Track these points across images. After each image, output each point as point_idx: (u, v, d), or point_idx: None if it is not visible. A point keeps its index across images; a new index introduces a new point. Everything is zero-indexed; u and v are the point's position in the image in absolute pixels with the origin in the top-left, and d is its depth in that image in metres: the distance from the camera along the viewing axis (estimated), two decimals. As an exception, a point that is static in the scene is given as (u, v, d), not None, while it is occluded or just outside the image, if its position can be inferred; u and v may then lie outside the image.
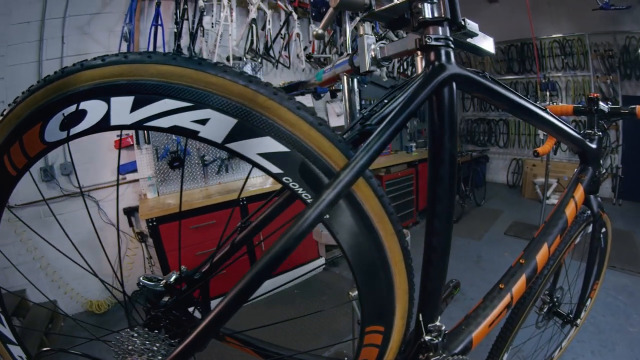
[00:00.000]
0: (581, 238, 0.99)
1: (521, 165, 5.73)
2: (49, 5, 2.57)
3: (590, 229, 1.01)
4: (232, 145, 0.46)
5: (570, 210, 0.87)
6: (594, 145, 0.94)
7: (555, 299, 1.10)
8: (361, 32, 0.77)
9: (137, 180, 2.98)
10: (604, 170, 1.02)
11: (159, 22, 2.67)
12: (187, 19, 2.82)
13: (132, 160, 2.90)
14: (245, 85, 0.45)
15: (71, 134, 0.45)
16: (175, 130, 0.45)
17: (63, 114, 0.45)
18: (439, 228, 0.60)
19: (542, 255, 0.81)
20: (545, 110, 0.75)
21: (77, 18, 2.69)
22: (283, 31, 3.57)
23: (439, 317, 0.66)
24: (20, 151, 0.49)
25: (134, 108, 0.44)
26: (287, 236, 0.44)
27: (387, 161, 4.15)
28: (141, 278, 0.63)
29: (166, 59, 0.44)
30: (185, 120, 0.44)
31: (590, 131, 0.95)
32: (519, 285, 0.77)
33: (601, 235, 1.11)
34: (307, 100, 4.06)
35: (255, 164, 0.47)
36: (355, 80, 1.12)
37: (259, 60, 3.39)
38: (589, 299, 1.32)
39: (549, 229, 0.84)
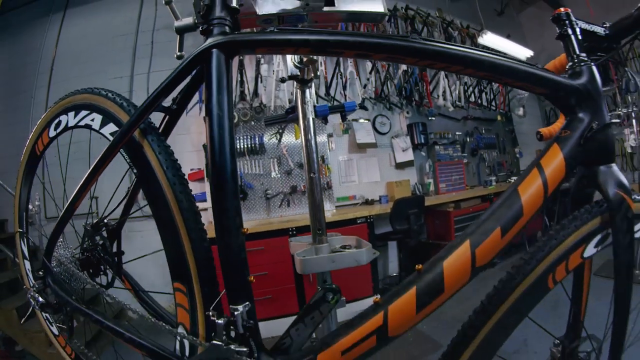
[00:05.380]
0: (600, 249, 0.58)
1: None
2: (137, 64, 3.39)
3: (609, 229, 0.57)
4: (102, 130, 0.75)
5: (531, 193, 0.53)
6: (578, 81, 0.58)
7: (575, 353, 0.70)
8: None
9: (206, 210, 3.35)
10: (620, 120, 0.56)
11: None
12: (244, 68, 3.23)
13: (202, 191, 3.31)
14: (100, 95, 0.77)
15: (57, 134, 0.86)
16: (86, 126, 0.78)
17: (53, 122, 0.85)
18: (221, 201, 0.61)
19: (456, 262, 0.51)
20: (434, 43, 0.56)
21: (159, 73, 3.40)
22: (336, 71, 3.75)
23: (244, 305, 0.57)
24: (41, 141, 0.91)
25: (74, 116, 0.80)
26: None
27: (457, 196, 3.70)
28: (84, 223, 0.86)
29: (83, 91, 0.80)
30: (87, 119, 0.77)
31: (571, 63, 0.60)
32: (402, 302, 0.51)
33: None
34: (368, 131, 4.05)
35: (108, 139, 0.73)
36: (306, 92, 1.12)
37: (317, 101, 3.61)
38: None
39: (476, 226, 0.54)
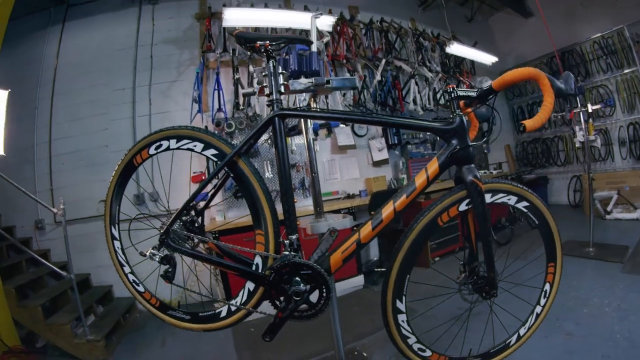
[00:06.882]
0: (469, 207, 1.14)
1: (581, 181, 5.22)
2: (138, 77, 3.69)
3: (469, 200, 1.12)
4: (204, 152, 1.19)
5: (420, 181, 1.12)
6: (451, 126, 1.11)
7: (475, 270, 1.24)
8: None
9: (209, 207, 3.78)
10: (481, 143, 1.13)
11: (219, 87, 3.59)
12: (240, 84, 3.65)
13: (205, 191, 3.74)
14: (200, 131, 1.19)
15: (156, 152, 1.23)
16: (188, 149, 1.19)
17: (154, 144, 1.22)
18: (285, 190, 1.16)
19: (387, 210, 1.10)
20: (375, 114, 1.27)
21: (160, 85, 3.74)
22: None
23: (295, 235, 1.14)
24: (140, 156, 1.25)
25: (176, 143, 1.20)
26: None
27: (428, 188, 4.27)
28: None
29: (184, 127, 1.21)
30: (190, 145, 1.19)
31: (452, 115, 1.13)
32: (366, 228, 1.12)
33: (527, 212, 1.21)
34: (347, 135, 4.60)
35: (210, 159, 1.18)
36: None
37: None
38: (547, 284, 1.37)
39: (397, 193, 1.12)
